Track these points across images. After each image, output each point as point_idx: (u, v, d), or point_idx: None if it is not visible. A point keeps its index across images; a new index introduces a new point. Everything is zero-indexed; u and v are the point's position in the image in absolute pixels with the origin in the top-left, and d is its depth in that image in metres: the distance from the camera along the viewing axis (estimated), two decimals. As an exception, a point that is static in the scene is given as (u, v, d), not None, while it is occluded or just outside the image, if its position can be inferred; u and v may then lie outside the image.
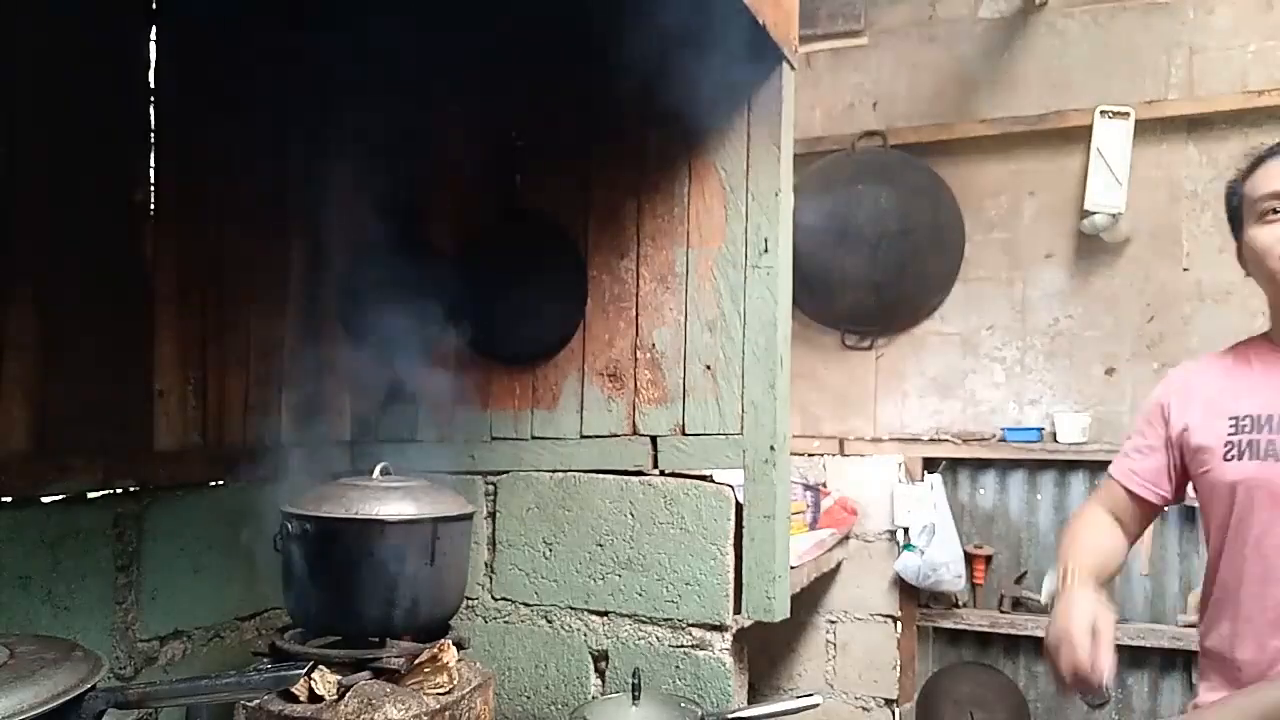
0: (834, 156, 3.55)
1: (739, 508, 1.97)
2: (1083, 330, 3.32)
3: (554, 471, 2.15)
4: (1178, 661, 3.14)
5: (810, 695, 1.80)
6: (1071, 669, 1.45)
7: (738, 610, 1.96)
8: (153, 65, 1.89)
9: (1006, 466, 3.38)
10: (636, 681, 1.76)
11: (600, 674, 2.08)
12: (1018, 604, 3.30)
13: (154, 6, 1.91)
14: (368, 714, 1.49)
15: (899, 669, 3.35)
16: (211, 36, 2.00)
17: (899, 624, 3.35)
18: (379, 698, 1.52)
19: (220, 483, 2.03)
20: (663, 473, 2.06)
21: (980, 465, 3.41)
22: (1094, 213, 3.16)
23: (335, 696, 1.51)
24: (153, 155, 1.89)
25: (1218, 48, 3.16)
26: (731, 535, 1.97)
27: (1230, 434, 1.57)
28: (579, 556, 2.11)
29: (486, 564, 2.21)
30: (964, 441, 3.35)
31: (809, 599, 3.35)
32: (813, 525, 3.12)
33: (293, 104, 2.19)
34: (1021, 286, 3.41)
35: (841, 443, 3.49)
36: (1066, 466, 3.29)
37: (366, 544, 1.65)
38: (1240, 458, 1.55)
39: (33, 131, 1.66)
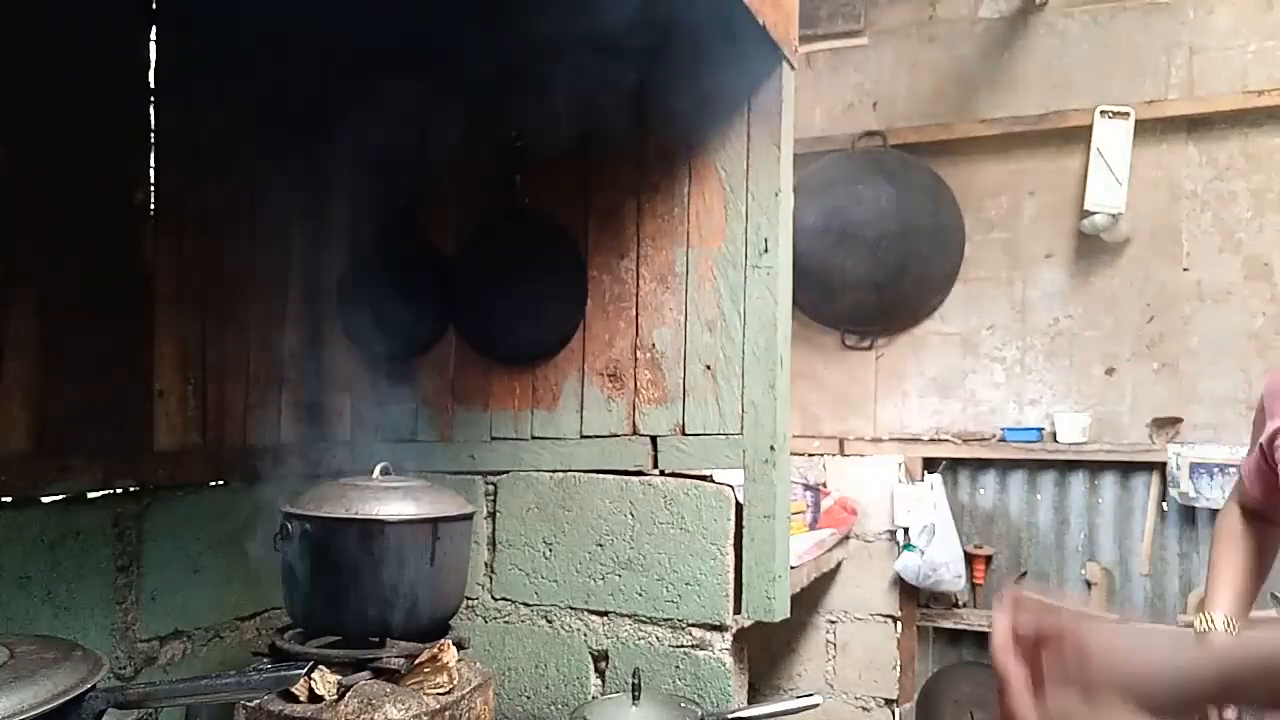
0: (834, 156, 3.55)
1: (739, 508, 1.97)
2: (1083, 330, 3.32)
3: (554, 471, 2.15)
4: (1178, 661, 3.14)
5: (810, 695, 1.81)
6: None
7: (738, 610, 1.96)
8: (153, 65, 1.89)
9: (1006, 466, 3.38)
10: (636, 681, 1.76)
11: (600, 674, 2.08)
12: (1018, 604, 3.29)
13: (154, 6, 1.91)
14: (368, 714, 1.49)
15: (899, 669, 3.35)
16: (211, 36, 2.00)
17: (899, 624, 3.35)
18: (379, 698, 1.52)
19: (220, 483, 2.02)
20: (663, 473, 2.06)
21: (980, 465, 3.41)
22: (1094, 213, 3.16)
23: (335, 696, 1.51)
24: (153, 155, 1.89)
25: (1218, 48, 3.17)
26: (731, 535, 1.97)
27: None
28: (579, 556, 2.11)
29: (486, 564, 2.21)
30: (964, 441, 3.35)
31: (809, 599, 3.35)
32: (813, 525, 3.12)
33: (292, 104, 2.18)
34: (1021, 286, 3.41)
35: (841, 443, 3.50)
36: (1066, 466, 3.29)
37: (366, 544, 1.65)
38: None
39: (33, 131, 1.66)
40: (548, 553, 2.14)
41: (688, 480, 2.02)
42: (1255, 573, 1.71)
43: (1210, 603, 1.70)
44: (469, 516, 1.83)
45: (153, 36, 1.89)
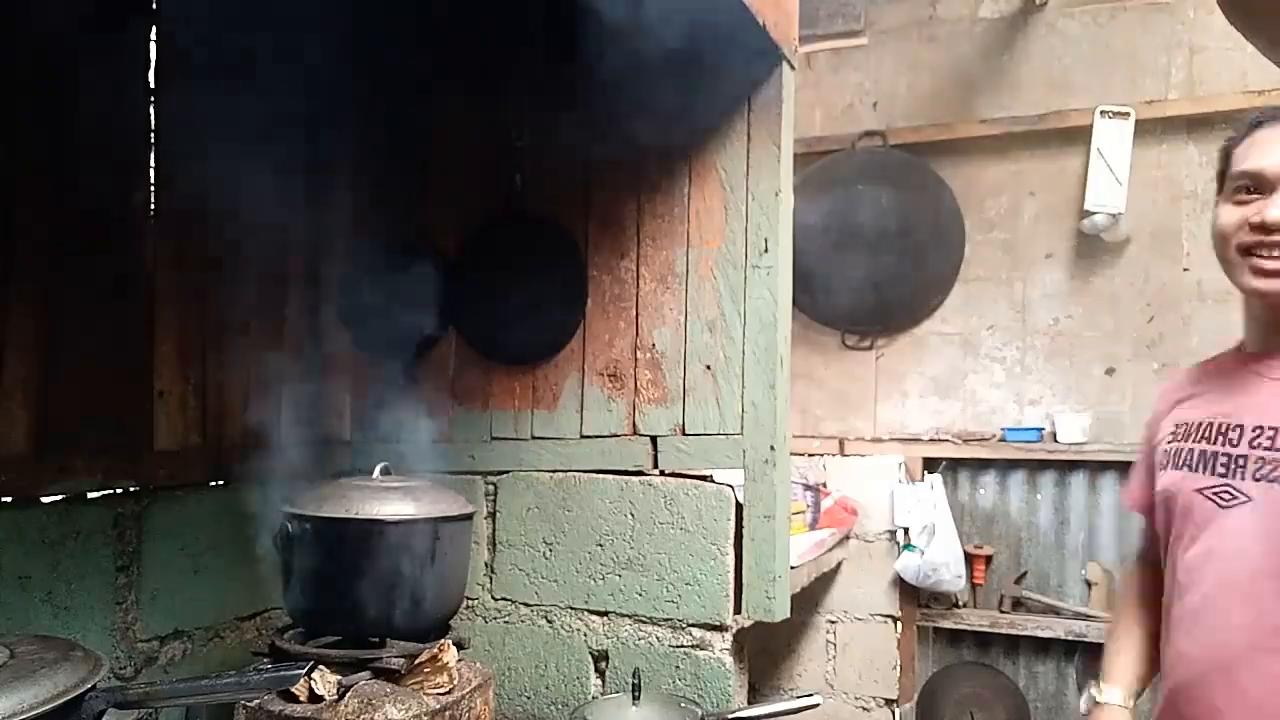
0: (834, 156, 3.54)
1: (739, 508, 1.97)
2: (1083, 330, 3.32)
3: (554, 471, 2.15)
4: (1178, 661, 3.14)
5: (810, 695, 1.80)
6: None
7: (738, 610, 1.96)
8: (153, 65, 1.89)
9: (1006, 466, 3.38)
10: (636, 681, 1.76)
11: (600, 674, 2.08)
12: (1018, 604, 3.30)
13: (154, 6, 1.91)
14: (368, 714, 1.49)
15: (899, 669, 3.34)
16: (212, 35, 2.00)
17: (899, 624, 3.35)
18: (379, 698, 1.52)
19: (220, 483, 2.03)
20: (663, 473, 2.06)
21: (980, 465, 3.41)
22: (1094, 213, 3.16)
23: (335, 696, 1.51)
24: (153, 155, 1.89)
25: (1218, 48, 3.16)
26: (731, 535, 1.97)
27: (1167, 443, 1.47)
28: (579, 556, 2.11)
29: (486, 564, 2.21)
30: (964, 441, 3.35)
31: (809, 599, 3.35)
32: (813, 525, 3.12)
33: (293, 103, 2.18)
34: (1021, 286, 3.41)
35: (841, 443, 3.49)
36: (1066, 466, 3.29)
37: (366, 544, 1.65)
38: (1166, 467, 1.45)
39: (33, 131, 1.66)
40: (548, 553, 2.14)
41: (688, 480, 2.02)
42: (1145, 658, 1.56)
43: (1108, 674, 1.57)
44: (469, 516, 1.83)
45: (153, 36, 1.89)
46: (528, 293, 2.20)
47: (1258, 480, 1.29)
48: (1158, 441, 1.51)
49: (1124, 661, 1.57)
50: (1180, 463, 1.41)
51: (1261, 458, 1.30)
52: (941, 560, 3.13)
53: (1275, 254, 1.30)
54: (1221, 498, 1.33)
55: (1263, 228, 1.31)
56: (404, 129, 2.31)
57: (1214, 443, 1.37)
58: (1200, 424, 1.41)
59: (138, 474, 1.83)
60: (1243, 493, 1.30)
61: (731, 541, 1.97)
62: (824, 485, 3.39)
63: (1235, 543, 1.30)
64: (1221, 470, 1.34)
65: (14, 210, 1.63)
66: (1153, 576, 1.54)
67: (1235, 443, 1.34)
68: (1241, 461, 1.32)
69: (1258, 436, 1.31)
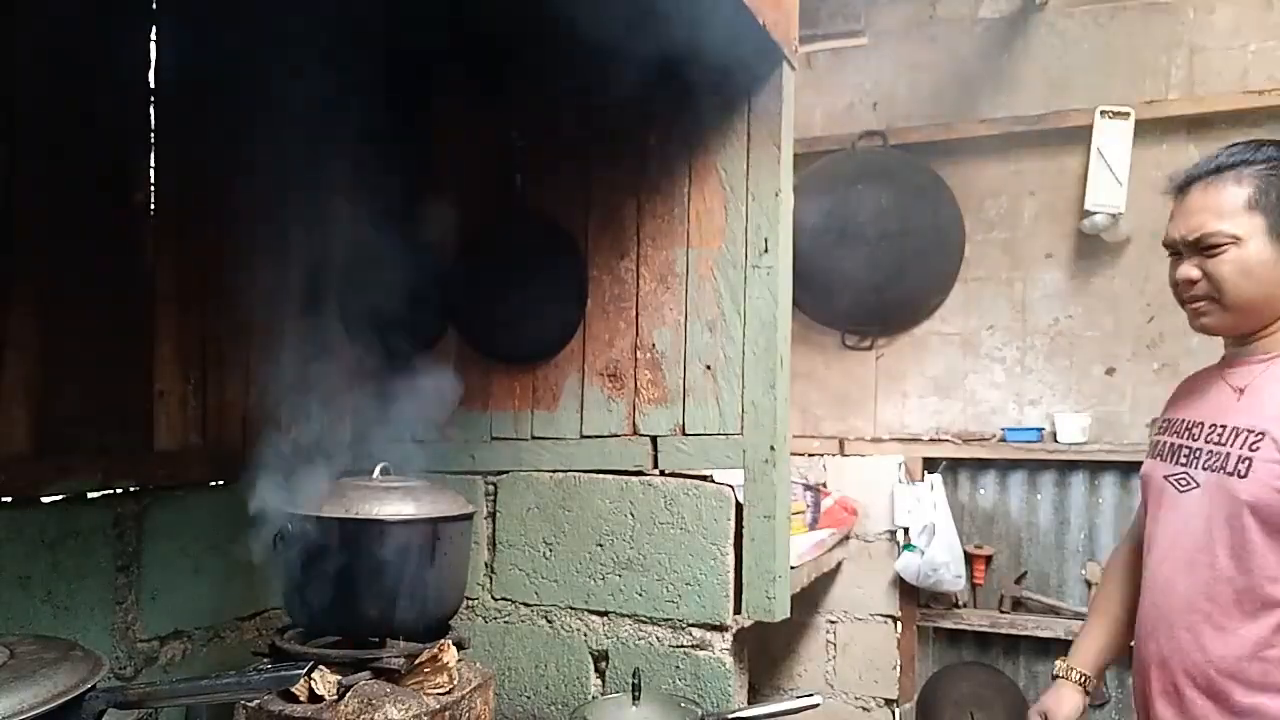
0: (834, 156, 3.54)
1: (739, 508, 1.97)
2: (1083, 330, 3.32)
3: (554, 471, 2.15)
4: (1178, 661, 3.14)
5: (810, 695, 1.80)
6: None
7: (738, 610, 1.96)
8: (153, 65, 1.89)
9: (1006, 466, 3.38)
10: (636, 681, 1.76)
11: (600, 674, 2.08)
12: (1018, 604, 3.30)
13: (154, 6, 1.91)
14: (368, 714, 1.49)
15: (899, 669, 3.35)
16: (211, 36, 2.00)
17: (899, 624, 3.35)
18: (379, 698, 1.52)
19: (220, 483, 2.02)
20: (663, 473, 2.06)
21: (980, 465, 3.41)
22: (1094, 213, 3.16)
23: (335, 696, 1.52)
24: (153, 155, 1.89)
25: (1218, 48, 3.16)
26: (731, 535, 1.97)
27: (1154, 436, 1.72)
28: (579, 556, 2.11)
29: (486, 564, 2.21)
30: (964, 441, 3.35)
31: (809, 599, 3.35)
32: (813, 525, 3.12)
33: (292, 103, 2.18)
34: (1021, 286, 3.41)
35: (841, 443, 3.49)
36: (1066, 466, 3.29)
37: (366, 544, 1.65)
38: (1148, 456, 1.70)
39: (33, 131, 1.66)
40: (548, 553, 2.14)
41: (688, 480, 2.02)
42: (1128, 625, 1.76)
43: (1073, 652, 1.82)
44: (469, 516, 1.83)
45: (153, 36, 1.89)
46: (528, 293, 2.20)
47: (1206, 470, 1.53)
48: (1153, 436, 1.75)
49: (1087, 641, 1.83)
50: (1156, 453, 1.67)
51: (1211, 451, 1.53)
52: (941, 560, 3.14)
53: (1196, 305, 1.56)
54: (1180, 483, 1.58)
55: (1178, 286, 1.58)
56: (405, 128, 2.31)
57: (1182, 437, 1.62)
58: (1178, 421, 1.66)
59: (138, 474, 1.83)
60: (1195, 480, 1.55)
61: (731, 541, 1.97)
62: (824, 485, 3.39)
63: (1184, 522, 1.55)
64: (1183, 460, 1.58)
65: (14, 210, 1.63)
66: (1132, 550, 1.79)
67: (1195, 438, 1.58)
68: (1197, 453, 1.56)
69: (1210, 432, 1.55)
